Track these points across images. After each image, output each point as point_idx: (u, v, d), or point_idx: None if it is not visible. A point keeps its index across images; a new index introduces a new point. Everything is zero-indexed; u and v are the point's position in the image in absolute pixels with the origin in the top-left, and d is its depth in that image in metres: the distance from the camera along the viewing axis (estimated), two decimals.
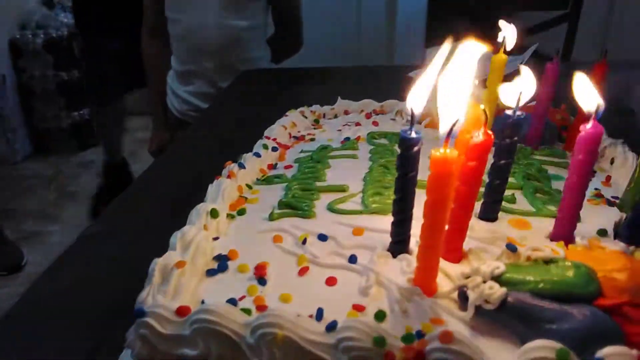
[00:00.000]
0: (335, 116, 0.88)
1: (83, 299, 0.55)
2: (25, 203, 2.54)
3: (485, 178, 0.49)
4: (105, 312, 0.51)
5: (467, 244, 0.46)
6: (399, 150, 0.42)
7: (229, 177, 0.56)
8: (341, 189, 0.56)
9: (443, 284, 0.42)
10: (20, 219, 2.38)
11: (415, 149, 0.41)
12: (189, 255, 0.43)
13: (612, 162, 0.67)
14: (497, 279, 0.40)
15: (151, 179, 0.83)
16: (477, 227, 0.49)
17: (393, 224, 0.44)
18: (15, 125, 2.80)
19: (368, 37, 2.85)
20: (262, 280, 0.42)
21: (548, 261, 0.41)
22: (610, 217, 0.52)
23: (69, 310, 0.54)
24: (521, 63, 1.20)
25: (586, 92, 0.47)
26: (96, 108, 2.35)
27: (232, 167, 0.58)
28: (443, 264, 0.43)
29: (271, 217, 0.51)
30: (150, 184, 0.81)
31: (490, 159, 0.47)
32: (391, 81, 1.30)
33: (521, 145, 0.69)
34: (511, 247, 0.43)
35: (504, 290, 0.38)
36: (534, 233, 0.49)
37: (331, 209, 0.52)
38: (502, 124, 0.48)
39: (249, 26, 1.45)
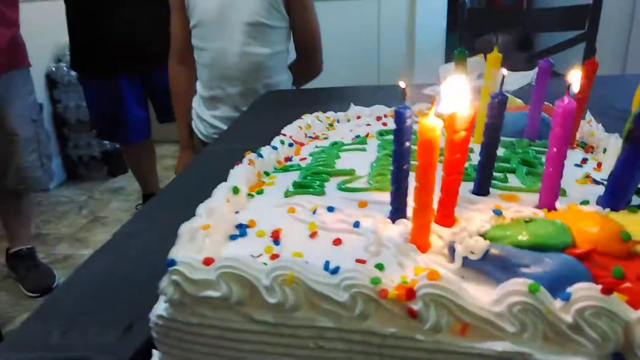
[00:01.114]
0: (348, 120, 0.94)
1: (118, 282, 0.61)
2: (58, 228, 2.65)
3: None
4: (137, 294, 0.57)
5: (459, 212, 0.51)
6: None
7: (248, 164, 0.63)
8: (349, 172, 0.63)
9: (436, 243, 0.47)
10: (53, 242, 2.50)
11: (408, 121, 0.47)
12: (213, 221, 0.50)
13: (604, 151, 0.72)
14: (482, 235, 0.46)
15: (174, 190, 0.89)
16: (469, 198, 0.54)
17: (391, 193, 0.50)
18: (51, 153, 2.95)
19: (387, 60, 2.94)
20: (276, 242, 0.48)
21: (528, 220, 0.46)
22: (595, 193, 0.57)
23: (106, 292, 0.60)
24: (532, 80, 1.27)
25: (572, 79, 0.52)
26: (124, 147, 2.43)
27: (252, 155, 0.65)
28: (437, 227, 0.49)
29: (286, 195, 0.57)
30: (174, 193, 0.87)
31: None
32: (409, 98, 1.37)
33: (519, 139, 0.74)
34: (497, 212, 0.49)
35: (487, 242, 0.44)
36: (522, 204, 0.54)
37: (339, 187, 0.59)
38: (488, 103, 0.53)
39: (271, 53, 1.51)
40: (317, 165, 0.66)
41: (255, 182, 0.61)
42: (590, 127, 0.81)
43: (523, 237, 0.44)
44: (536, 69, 1.30)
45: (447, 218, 0.50)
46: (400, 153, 0.48)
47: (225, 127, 1.55)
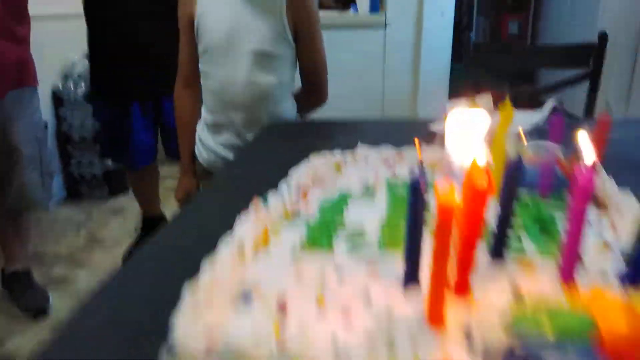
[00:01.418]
0: (356, 162, 0.93)
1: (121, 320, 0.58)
2: (56, 247, 2.60)
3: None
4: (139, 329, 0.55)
5: (474, 279, 0.49)
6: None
7: (255, 212, 0.61)
8: (359, 231, 0.61)
9: (452, 317, 0.45)
10: (50, 262, 2.45)
11: (423, 191, 0.46)
12: (217, 284, 0.48)
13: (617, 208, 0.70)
14: (506, 328, 0.43)
15: (172, 234, 0.85)
16: (484, 263, 0.52)
17: (404, 260, 0.48)
18: (53, 171, 2.94)
19: (392, 93, 2.94)
20: (283, 314, 0.46)
21: (552, 309, 0.44)
22: (614, 260, 0.55)
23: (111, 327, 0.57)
24: (542, 120, 1.25)
25: (585, 147, 0.51)
26: (128, 170, 2.42)
27: (259, 203, 0.63)
28: (452, 298, 0.47)
29: (293, 253, 0.55)
30: (173, 238, 0.84)
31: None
32: (414, 134, 1.35)
33: (532, 193, 0.73)
34: (517, 295, 0.47)
35: (509, 340, 0.41)
36: (539, 273, 0.52)
37: (349, 247, 0.57)
38: (505, 168, 0.52)
39: (276, 82, 1.50)
40: (325, 219, 0.64)
41: (261, 233, 0.59)
42: (601, 182, 0.79)
43: (549, 335, 0.41)
44: (546, 110, 1.29)
45: (462, 288, 0.48)
46: (414, 226, 0.46)
47: (226, 154, 1.54)
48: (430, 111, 2.88)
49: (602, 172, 0.83)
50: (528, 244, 0.58)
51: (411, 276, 0.48)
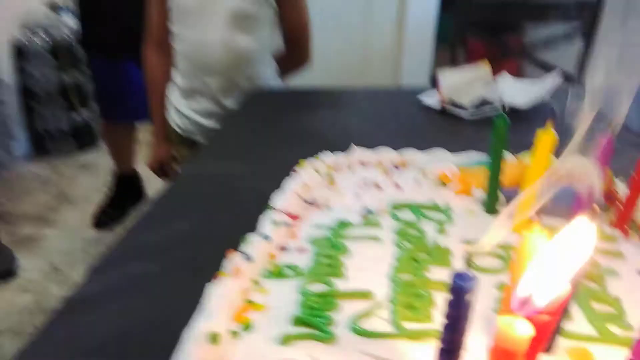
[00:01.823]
0: (351, 168, 0.80)
1: None
2: (22, 206, 2.48)
3: None
4: None
5: None
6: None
7: (233, 275, 0.48)
8: (364, 295, 0.48)
9: None
10: (17, 222, 2.33)
11: (467, 297, 0.33)
12: None
13: None
14: None
15: (145, 232, 0.74)
16: None
17: None
18: (15, 126, 2.75)
19: (376, 57, 2.80)
20: None
21: None
22: None
23: None
24: (548, 95, 1.12)
25: None
26: (105, 123, 2.30)
27: (237, 259, 0.50)
28: None
29: (283, 341, 0.43)
30: (145, 236, 0.72)
31: None
32: (402, 105, 1.24)
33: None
34: None
35: None
36: None
37: (354, 329, 0.44)
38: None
39: (255, 45, 1.40)
40: (322, 273, 0.51)
41: (241, 304, 0.47)
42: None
43: None
44: (550, 81, 1.16)
45: None
46: (452, 335, 0.34)
47: (203, 121, 1.44)
48: (414, 75, 2.74)
49: None
50: (579, 322, 0.46)
51: None
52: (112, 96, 2.17)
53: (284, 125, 1.12)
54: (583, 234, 0.34)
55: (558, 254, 0.31)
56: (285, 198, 0.64)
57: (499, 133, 0.60)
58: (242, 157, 0.93)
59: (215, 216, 0.70)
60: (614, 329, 0.45)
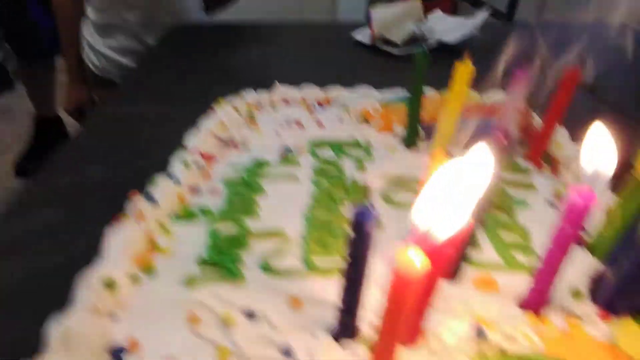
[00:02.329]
0: (273, 107, 0.76)
1: None
2: None
3: None
4: None
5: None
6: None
7: (136, 220, 0.45)
8: (277, 233, 0.47)
9: None
10: None
11: (369, 230, 0.32)
12: (74, 341, 0.33)
13: (577, 179, 0.61)
14: None
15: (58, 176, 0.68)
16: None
17: (339, 307, 0.36)
18: None
19: None
20: None
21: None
22: (583, 265, 0.46)
23: None
24: (472, 30, 1.11)
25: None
26: (20, 62, 2.11)
27: (140, 202, 0.47)
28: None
29: (187, 283, 0.41)
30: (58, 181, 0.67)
31: None
32: (334, 41, 1.21)
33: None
34: (481, 333, 0.36)
35: None
36: (503, 298, 0.42)
37: (263, 267, 0.43)
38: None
39: None
40: (234, 212, 0.49)
41: (143, 249, 0.44)
42: (555, 135, 0.69)
43: None
44: (480, 16, 1.15)
45: (411, 333, 0.37)
46: (354, 273, 0.33)
47: (122, 59, 1.35)
48: (351, 10, 2.66)
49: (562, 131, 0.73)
50: (487, 251, 0.47)
51: (346, 327, 0.36)
52: (23, 32, 1.98)
53: (206, 62, 1.05)
54: (481, 164, 0.34)
55: (453, 183, 0.30)
56: (198, 138, 0.60)
57: (418, 68, 0.59)
58: (160, 97, 0.87)
59: (130, 160, 0.66)
60: (520, 257, 0.46)
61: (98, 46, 1.37)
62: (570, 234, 0.36)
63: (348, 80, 0.82)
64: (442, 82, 0.74)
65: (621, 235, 0.44)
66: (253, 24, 1.35)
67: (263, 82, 0.82)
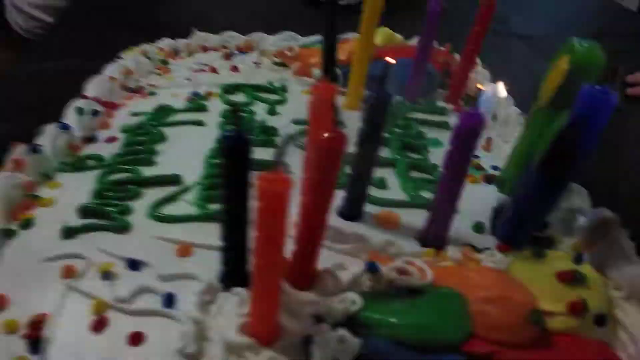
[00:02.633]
0: (190, 54, 0.72)
1: None
2: None
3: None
4: None
5: (323, 258, 0.37)
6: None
7: (13, 170, 0.41)
8: (173, 179, 0.44)
9: (287, 324, 0.33)
10: None
11: (245, 154, 0.30)
12: None
13: (494, 117, 0.60)
14: (352, 318, 0.32)
15: None
16: (334, 231, 0.39)
17: (221, 253, 0.34)
18: None
19: None
20: (35, 346, 0.31)
21: (414, 289, 0.34)
22: (489, 199, 0.46)
23: None
24: None
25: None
26: None
27: (21, 152, 0.43)
28: (289, 292, 0.34)
29: (65, 235, 0.38)
30: None
31: None
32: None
33: (399, 99, 0.59)
34: (372, 267, 0.35)
35: (356, 344, 0.30)
36: (404, 233, 0.41)
37: (153, 214, 0.40)
38: (364, 100, 0.37)
39: None
40: (127, 161, 0.46)
41: (21, 201, 0.40)
42: (475, 75, 0.68)
43: (408, 331, 0.31)
44: None
45: (303, 276, 0.35)
46: (232, 198, 0.31)
47: (48, 18, 1.26)
48: None
49: (477, 61, 0.72)
50: (394, 189, 0.46)
51: (233, 272, 0.34)
52: None
53: (131, 14, 0.99)
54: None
55: None
56: (98, 85, 0.56)
57: (330, 10, 0.55)
58: (79, 52, 0.80)
59: (30, 115, 0.61)
60: (426, 194, 0.45)
61: (22, 6, 1.28)
62: (459, 157, 0.35)
63: (279, 29, 0.78)
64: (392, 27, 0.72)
65: (524, 167, 0.43)
66: None
67: (189, 31, 0.77)
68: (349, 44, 0.62)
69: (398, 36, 0.70)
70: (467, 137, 0.34)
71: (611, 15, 1.17)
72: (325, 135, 0.29)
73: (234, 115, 0.30)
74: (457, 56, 0.68)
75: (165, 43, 0.73)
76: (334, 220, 0.41)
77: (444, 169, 0.36)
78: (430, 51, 0.58)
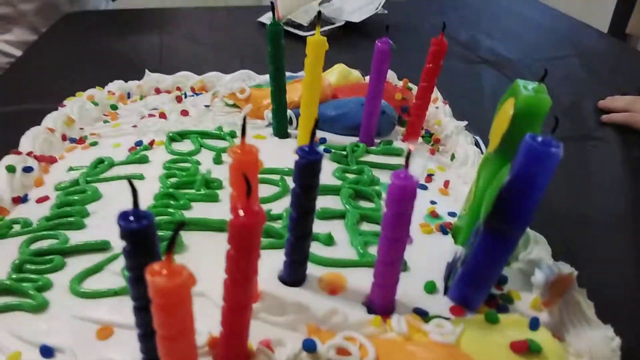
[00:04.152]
0: (142, 97, 0.70)
1: None
2: None
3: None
4: None
5: (260, 330, 0.34)
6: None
7: None
8: (102, 245, 0.41)
9: None
10: None
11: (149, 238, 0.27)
12: None
13: (452, 157, 0.58)
14: None
15: None
16: (273, 300, 0.36)
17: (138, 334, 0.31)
18: None
19: None
20: None
21: None
22: (444, 253, 0.43)
23: None
24: (377, 9, 1.08)
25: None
26: None
27: None
28: None
29: None
30: None
31: None
32: (238, 26, 1.14)
33: (353, 143, 0.57)
34: (309, 346, 0.32)
35: None
36: (350, 298, 0.38)
37: (74, 290, 0.37)
38: (295, 163, 0.34)
39: None
40: (55, 222, 0.43)
41: None
42: (436, 110, 0.66)
43: None
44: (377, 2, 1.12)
45: (236, 358, 0.32)
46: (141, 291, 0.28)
47: (20, 54, 1.27)
48: None
49: (438, 95, 0.70)
50: (342, 246, 0.43)
51: None
52: None
53: (99, 51, 0.97)
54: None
55: None
56: (33, 137, 0.53)
57: (272, 50, 0.53)
58: (39, 94, 0.77)
59: None
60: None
61: None
62: (396, 220, 0.32)
63: (253, 64, 0.76)
64: (347, 61, 0.70)
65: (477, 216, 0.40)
66: (151, 8, 1.26)
67: (157, 69, 0.74)
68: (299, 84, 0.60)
69: (355, 73, 0.68)
70: (402, 200, 0.31)
71: (582, 36, 1.17)
72: (241, 213, 0.27)
73: (134, 193, 0.27)
74: (415, 91, 0.66)
75: (116, 86, 0.70)
76: (273, 287, 0.38)
77: (382, 231, 0.33)
78: (382, 90, 0.56)
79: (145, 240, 0.27)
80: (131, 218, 0.27)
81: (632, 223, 0.59)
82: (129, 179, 0.27)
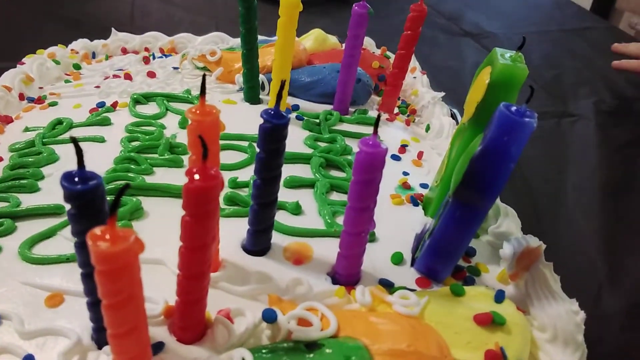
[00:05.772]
0: (107, 57, 0.66)
1: None
2: None
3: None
4: None
5: (220, 300, 0.33)
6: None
7: None
8: (53, 210, 0.39)
9: None
10: None
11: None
12: None
13: (427, 129, 0.57)
14: None
15: None
16: (235, 269, 0.35)
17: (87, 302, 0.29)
18: None
19: None
20: None
21: (311, 344, 0.30)
22: (413, 224, 0.42)
23: None
24: None
25: None
26: None
27: None
28: (174, 346, 0.30)
29: None
30: None
31: None
32: None
33: (327, 111, 0.55)
34: (269, 316, 0.31)
35: None
36: (315, 269, 0.37)
37: (23, 255, 0.35)
38: (260, 127, 0.32)
39: None
40: (7, 184, 0.40)
41: None
42: (413, 80, 0.65)
43: None
44: None
45: (192, 329, 0.31)
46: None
47: None
48: None
49: (416, 65, 0.68)
50: (310, 215, 0.42)
51: (103, 331, 0.30)
52: None
53: (65, 9, 0.92)
54: None
55: None
56: None
57: (244, 13, 0.50)
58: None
59: None
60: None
61: None
62: (364, 190, 0.31)
63: (227, 29, 0.72)
64: (331, 29, 0.68)
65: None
66: None
67: (128, 31, 0.71)
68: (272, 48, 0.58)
69: (332, 39, 0.66)
70: (370, 169, 0.30)
71: (565, 13, 1.16)
72: (196, 177, 0.25)
73: (78, 153, 0.25)
74: (390, 62, 0.64)
75: (80, 45, 0.67)
76: (235, 256, 0.37)
77: (349, 200, 0.32)
78: (358, 56, 0.54)
79: (92, 203, 0.25)
80: (76, 179, 0.25)
81: (604, 200, 0.59)
82: (74, 138, 0.24)
